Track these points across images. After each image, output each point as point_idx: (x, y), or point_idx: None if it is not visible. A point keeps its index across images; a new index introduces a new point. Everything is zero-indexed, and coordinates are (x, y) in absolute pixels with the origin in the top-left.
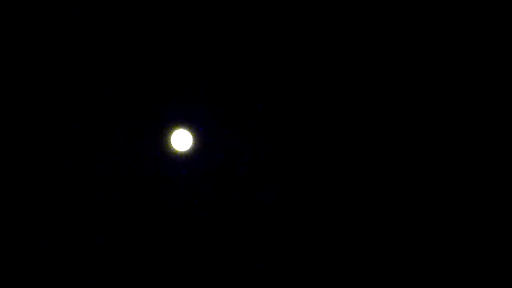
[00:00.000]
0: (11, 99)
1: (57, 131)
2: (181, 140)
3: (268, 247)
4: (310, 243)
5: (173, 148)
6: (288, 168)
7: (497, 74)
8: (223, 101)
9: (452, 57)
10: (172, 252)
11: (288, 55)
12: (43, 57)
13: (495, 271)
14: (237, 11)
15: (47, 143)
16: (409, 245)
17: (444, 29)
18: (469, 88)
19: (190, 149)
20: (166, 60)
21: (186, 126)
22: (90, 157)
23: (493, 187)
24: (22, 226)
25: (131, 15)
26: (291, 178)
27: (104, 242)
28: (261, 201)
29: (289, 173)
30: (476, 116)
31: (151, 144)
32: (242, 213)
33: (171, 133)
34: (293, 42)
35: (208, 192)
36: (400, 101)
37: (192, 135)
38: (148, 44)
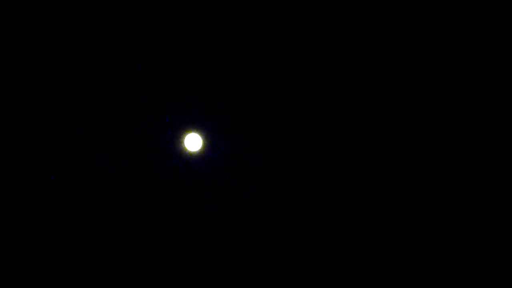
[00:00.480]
0: (25, 102)
1: (75, 133)
2: (193, 142)
3: (276, 244)
4: (317, 241)
5: (185, 149)
6: (296, 169)
7: (497, 74)
8: (232, 107)
9: (452, 57)
10: (183, 248)
11: (299, 60)
12: (59, 59)
13: (495, 271)
14: (250, 17)
15: (63, 145)
16: (409, 245)
17: (444, 29)
18: (469, 88)
19: (201, 150)
20: (182, 70)
21: (197, 129)
22: (110, 158)
23: (493, 187)
24: (41, 229)
25: (148, 23)
26: (300, 178)
27: (118, 239)
28: (267, 200)
29: (298, 174)
30: (476, 116)
31: (166, 146)
32: (249, 210)
33: (184, 136)
34: (306, 47)
35: (217, 189)
36: (401, 102)
37: (203, 137)
38: (166, 53)
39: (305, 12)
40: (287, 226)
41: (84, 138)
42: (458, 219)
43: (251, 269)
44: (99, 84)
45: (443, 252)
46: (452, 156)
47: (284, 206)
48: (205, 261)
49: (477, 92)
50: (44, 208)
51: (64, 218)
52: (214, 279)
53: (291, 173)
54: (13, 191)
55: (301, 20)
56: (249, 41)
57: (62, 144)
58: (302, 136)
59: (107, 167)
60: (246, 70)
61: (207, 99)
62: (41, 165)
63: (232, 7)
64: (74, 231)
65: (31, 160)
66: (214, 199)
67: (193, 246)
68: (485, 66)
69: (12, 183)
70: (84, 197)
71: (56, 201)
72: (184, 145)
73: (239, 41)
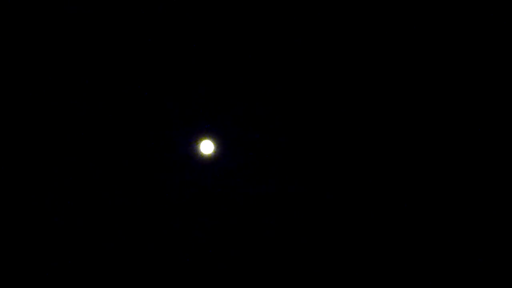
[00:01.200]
0: (39, 111)
1: (95, 137)
2: (206, 146)
3: (287, 246)
4: (329, 242)
5: (199, 153)
6: (307, 173)
7: (497, 74)
8: (242, 114)
9: (452, 57)
10: (196, 248)
11: (307, 67)
12: (77, 66)
13: (495, 271)
14: (264, 26)
15: (81, 148)
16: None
17: (445, 29)
18: (469, 88)
19: (213, 154)
20: (198, 83)
21: (210, 135)
22: (129, 162)
23: (493, 187)
24: (56, 237)
25: (165, 34)
26: (308, 180)
27: (132, 239)
28: (274, 200)
29: (309, 178)
30: (476, 116)
31: (182, 150)
32: (258, 210)
33: (199, 141)
34: (319, 55)
35: (228, 190)
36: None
37: (215, 143)
38: (183, 66)
39: (322, 21)
40: (299, 228)
41: (104, 145)
42: (458, 219)
43: (260, 269)
44: (120, 94)
45: (443, 251)
46: (452, 156)
47: (295, 207)
48: (217, 262)
49: (477, 92)
50: (60, 215)
51: (80, 225)
52: (224, 280)
53: (302, 177)
54: (26, 196)
55: (316, 29)
56: (262, 50)
57: (80, 150)
58: (313, 141)
59: (127, 171)
60: (257, 80)
61: (219, 108)
62: (58, 172)
63: (247, 16)
64: (90, 237)
65: (48, 169)
66: (225, 199)
67: (206, 246)
68: (485, 66)
69: (25, 188)
70: (103, 200)
71: (72, 207)
72: (198, 150)
73: (252, 51)
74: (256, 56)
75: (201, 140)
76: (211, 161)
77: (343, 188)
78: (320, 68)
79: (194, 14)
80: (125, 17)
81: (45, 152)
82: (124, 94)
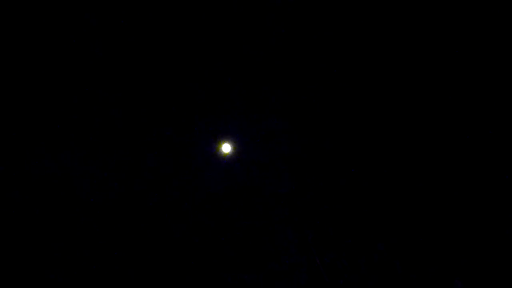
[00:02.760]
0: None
1: (137, 143)
2: (225, 148)
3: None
4: (333, 233)
5: (220, 153)
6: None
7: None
8: (256, 122)
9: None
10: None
11: (327, 70)
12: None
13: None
14: (277, 37)
15: (111, 149)
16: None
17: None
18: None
19: (231, 154)
20: (220, 96)
21: (229, 139)
22: (166, 161)
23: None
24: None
25: (192, 42)
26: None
27: (153, 233)
28: (279, 192)
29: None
30: (476, 116)
31: (205, 151)
32: (266, 201)
33: (220, 144)
34: (336, 60)
35: (242, 184)
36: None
37: (232, 145)
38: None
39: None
40: (309, 221)
41: (146, 148)
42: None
43: (266, 255)
44: (147, 101)
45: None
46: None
47: (298, 203)
48: (231, 248)
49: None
50: (98, 204)
51: (116, 212)
52: (231, 272)
53: (316, 176)
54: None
55: (326, 40)
56: (281, 56)
57: (109, 151)
58: (328, 143)
59: (164, 169)
60: (277, 84)
61: (236, 117)
62: (101, 164)
63: (263, 28)
64: (121, 231)
65: (94, 162)
66: (240, 191)
67: (223, 231)
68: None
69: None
70: (130, 195)
71: (111, 196)
72: (219, 151)
73: (272, 58)
74: (277, 62)
75: (222, 142)
76: (230, 161)
77: (362, 186)
78: (340, 71)
79: (221, 23)
80: (156, 27)
81: (86, 156)
82: (151, 101)
